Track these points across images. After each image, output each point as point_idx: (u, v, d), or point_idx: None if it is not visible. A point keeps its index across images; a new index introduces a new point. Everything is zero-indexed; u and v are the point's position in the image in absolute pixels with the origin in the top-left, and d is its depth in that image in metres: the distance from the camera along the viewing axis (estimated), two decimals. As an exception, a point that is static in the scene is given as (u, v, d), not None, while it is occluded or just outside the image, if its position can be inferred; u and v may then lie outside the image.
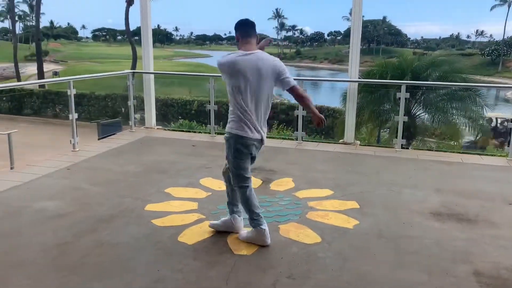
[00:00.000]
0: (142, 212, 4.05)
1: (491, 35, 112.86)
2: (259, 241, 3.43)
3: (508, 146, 6.21)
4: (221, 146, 6.47)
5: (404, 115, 6.64)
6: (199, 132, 8.20)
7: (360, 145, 6.89)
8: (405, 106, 6.60)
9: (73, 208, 4.11)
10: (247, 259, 3.23)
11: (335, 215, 4.04)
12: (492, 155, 7.05)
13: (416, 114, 9.25)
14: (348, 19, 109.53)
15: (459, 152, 7.19)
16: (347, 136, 6.84)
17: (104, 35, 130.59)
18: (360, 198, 4.44)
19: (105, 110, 17.32)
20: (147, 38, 7.42)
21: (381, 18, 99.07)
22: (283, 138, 7.68)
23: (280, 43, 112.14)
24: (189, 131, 8.67)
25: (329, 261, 3.21)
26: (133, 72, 7.58)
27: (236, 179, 3.41)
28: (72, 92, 6.16)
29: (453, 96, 9.20)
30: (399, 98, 6.43)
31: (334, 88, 21.47)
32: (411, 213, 4.11)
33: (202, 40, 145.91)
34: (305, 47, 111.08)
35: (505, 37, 76.20)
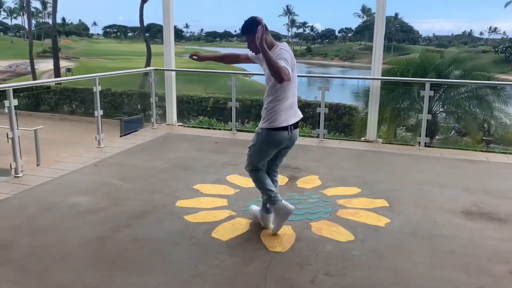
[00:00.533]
0: (174, 208, 4.09)
1: (504, 32, 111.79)
2: (284, 214, 3.50)
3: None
4: (243, 143, 6.55)
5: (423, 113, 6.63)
6: (219, 129, 8.23)
7: (382, 143, 6.88)
8: (428, 103, 6.57)
9: (106, 204, 4.17)
10: (282, 256, 3.26)
11: (365, 213, 4.05)
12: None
13: (437, 112, 9.20)
14: (359, 16, 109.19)
15: (482, 151, 7.15)
16: (370, 134, 6.84)
17: (115, 31, 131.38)
18: (388, 197, 4.44)
19: (121, 107, 17.46)
20: (169, 35, 7.46)
21: (393, 15, 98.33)
22: (303, 135, 7.67)
23: (290, 40, 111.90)
24: (209, 128, 8.71)
25: (365, 259, 3.22)
26: (155, 69, 7.62)
27: (252, 164, 3.62)
28: (97, 89, 6.23)
29: (476, 94, 9.13)
30: (423, 96, 6.41)
31: (345, 86, 21.40)
32: (442, 212, 4.10)
33: (212, 37, 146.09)
34: (316, 44, 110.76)
35: (520, 34, 75.28)
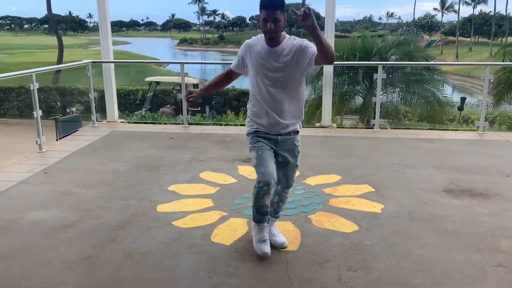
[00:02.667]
0: (157, 214, 3.71)
1: (399, 17, 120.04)
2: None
3: (478, 120, 6.57)
4: (200, 137, 6.23)
5: (375, 96, 6.81)
6: (165, 123, 7.77)
7: (337, 127, 6.92)
8: (372, 87, 6.71)
9: (76, 216, 3.66)
10: (296, 255, 3.07)
11: (357, 200, 3.98)
12: (462, 130, 7.41)
13: (381, 94, 9.47)
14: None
15: (431, 129, 7.49)
16: (324, 120, 6.83)
17: (8, 23, 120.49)
18: (370, 181, 4.43)
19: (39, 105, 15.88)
20: (106, 26, 6.86)
21: (300, 1, 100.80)
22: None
23: (201, 28, 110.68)
24: (154, 123, 8.19)
25: (379, 249, 3.13)
26: (93, 62, 6.96)
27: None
28: (35, 86, 5.55)
29: (420, 76, 9.58)
30: (376, 79, 6.51)
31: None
32: (426, 192, 4.16)
33: (119, 27, 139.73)
34: (227, 32, 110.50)
35: (415, 18, 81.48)
